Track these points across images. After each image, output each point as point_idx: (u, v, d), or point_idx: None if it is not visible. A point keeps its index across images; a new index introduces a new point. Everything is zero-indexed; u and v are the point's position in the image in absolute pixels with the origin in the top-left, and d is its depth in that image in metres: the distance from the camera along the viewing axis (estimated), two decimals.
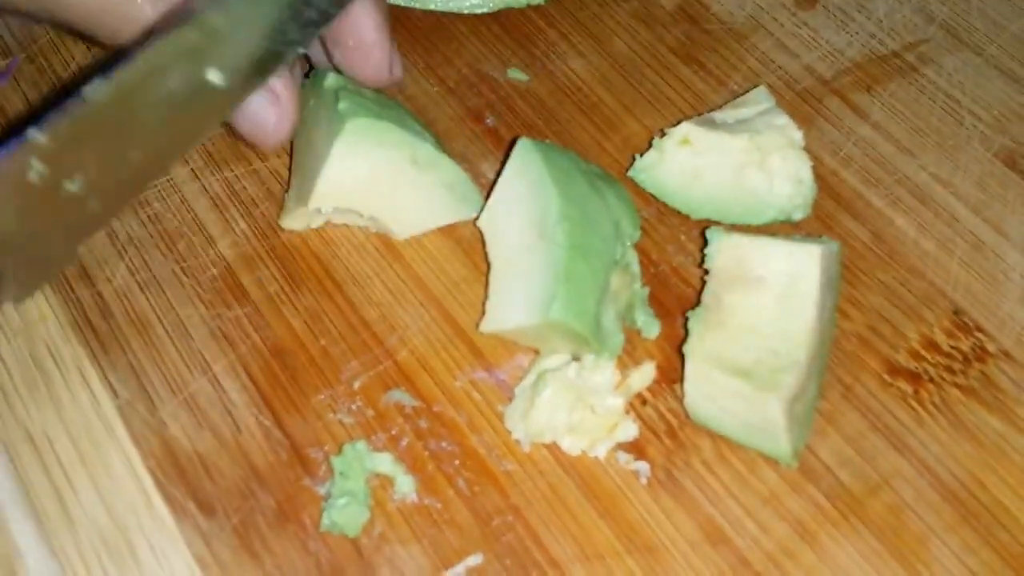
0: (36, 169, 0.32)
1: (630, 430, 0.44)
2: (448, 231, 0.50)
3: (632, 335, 0.46)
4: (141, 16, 0.44)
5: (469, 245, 0.49)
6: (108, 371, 0.45)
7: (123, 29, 0.45)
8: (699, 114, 0.54)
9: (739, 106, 0.52)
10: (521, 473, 0.43)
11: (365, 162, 0.46)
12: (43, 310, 0.46)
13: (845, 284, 0.48)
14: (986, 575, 0.41)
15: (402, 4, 0.58)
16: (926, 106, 0.55)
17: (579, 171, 0.47)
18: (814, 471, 0.43)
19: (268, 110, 0.44)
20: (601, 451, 0.43)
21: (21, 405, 0.44)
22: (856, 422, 0.44)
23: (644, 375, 0.45)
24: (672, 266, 0.49)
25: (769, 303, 0.43)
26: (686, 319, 0.44)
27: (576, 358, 0.44)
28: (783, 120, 0.50)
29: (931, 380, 0.46)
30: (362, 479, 0.42)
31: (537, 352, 0.46)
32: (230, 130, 0.47)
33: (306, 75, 0.51)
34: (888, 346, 0.47)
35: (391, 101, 0.50)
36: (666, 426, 0.44)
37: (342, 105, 0.45)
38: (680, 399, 0.44)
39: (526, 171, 0.46)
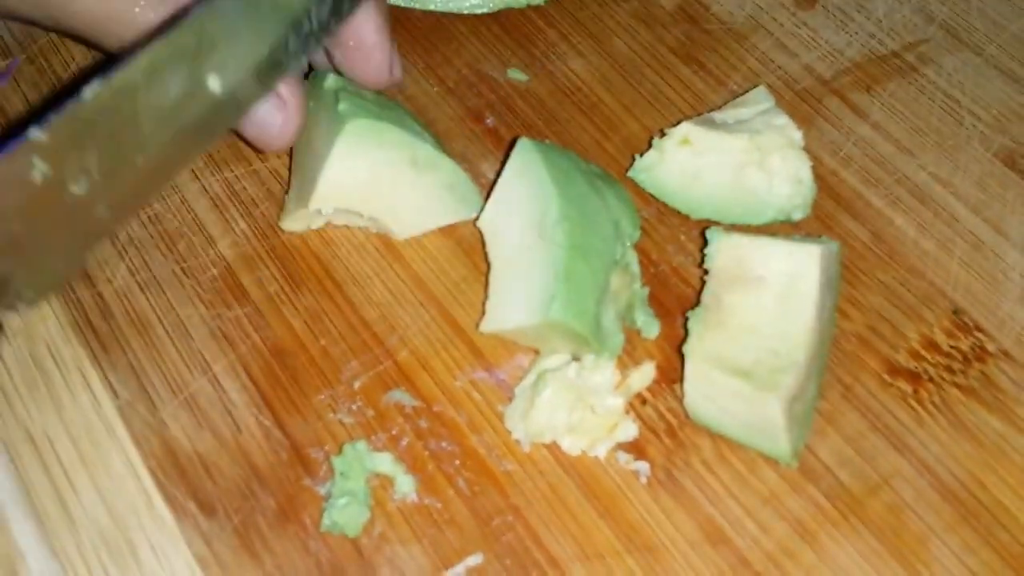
0: (39, 168, 0.32)
1: (630, 430, 0.44)
2: (448, 231, 0.50)
3: (632, 335, 0.46)
4: (146, 23, 0.44)
5: (469, 245, 0.49)
6: (108, 371, 0.45)
7: (128, 36, 0.45)
8: (699, 114, 0.54)
9: (739, 106, 0.52)
10: (521, 473, 0.43)
11: (365, 163, 0.46)
12: (43, 310, 0.46)
13: (845, 284, 0.48)
14: (986, 575, 0.41)
15: (402, 4, 0.58)
16: (926, 106, 0.55)
17: (579, 171, 0.47)
18: (814, 471, 0.43)
19: (274, 114, 0.44)
20: (601, 451, 0.43)
21: (21, 405, 0.44)
22: (856, 422, 0.44)
23: (644, 375, 0.45)
24: (672, 266, 0.49)
25: (769, 303, 0.43)
26: (686, 319, 0.44)
27: (576, 358, 0.44)
28: (783, 120, 0.50)
29: (931, 380, 0.46)
30: (362, 479, 0.42)
31: (537, 352, 0.46)
32: (233, 132, 0.47)
33: (306, 76, 0.51)
34: (888, 346, 0.47)
35: (391, 102, 0.50)
36: (666, 426, 0.44)
37: (342, 106, 0.45)
38: (680, 399, 0.44)
39: (526, 171, 0.46)
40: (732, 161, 0.49)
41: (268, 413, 0.44)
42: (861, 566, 0.41)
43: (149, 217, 0.50)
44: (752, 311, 0.43)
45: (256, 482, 0.42)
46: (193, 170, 0.52)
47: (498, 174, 0.47)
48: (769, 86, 0.54)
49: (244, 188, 0.51)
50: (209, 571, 0.40)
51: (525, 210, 0.45)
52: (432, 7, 0.58)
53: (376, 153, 0.46)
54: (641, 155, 0.51)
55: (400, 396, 0.45)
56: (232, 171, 0.52)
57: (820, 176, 0.52)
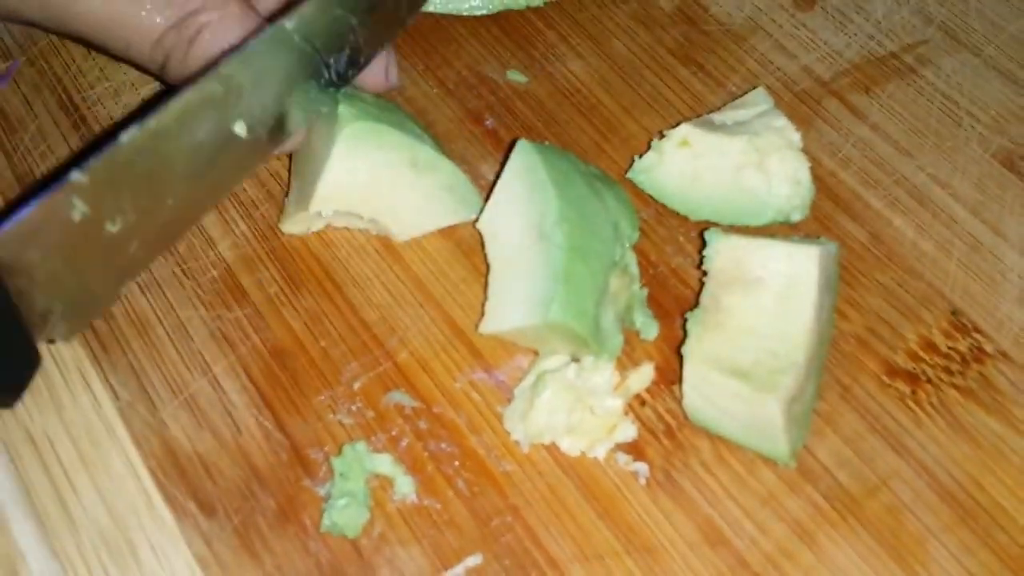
0: (79, 208, 0.34)
1: (629, 431, 0.44)
2: (448, 233, 0.50)
3: (631, 336, 0.47)
4: (152, 27, 0.45)
5: (469, 247, 0.49)
6: (109, 372, 0.45)
7: (134, 40, 0.45)
8: (698, 116, 0.54)
9: (738, 108, 0.52)
10: (520, 474, 0.43)
11: (365, 165, 0.46)
12: None
13: (843, 285, 0.48)
14: None
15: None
16: (924, 107, 0.55)
17: (578, 173, 0.47)
18: (812, 472, 0.43)
19: None
20: (600, 452, 0.43)
21: (22, 406, 0.44)
22: (854, 423, 0.45)
23: (643, 376, 0.45)
24: (671, 267, 0.49)
25: (767, 304, 0.43)
26: (685, 320, 0.45)
27: (575, 359, 0.45)
28: (781, 121, 0.50)
29: (929, 381, 0.46)
30: (362, 480, 0.42)
31: (536, 353, 0.46)
32: None
33: None
34: (886, 347, 0.47)
35: (390, 104, 0.50)
36: (665, 427, 0.44)
37: (341, 109, 0.46)
38: (679, 400, 0.44)
39: (525, 173, 0.46)
40: (731, 162, 0.49)
41: (268, 414, 0.44)
42: (859, 567, 0.41)
43: None
44: (751, 312, 0.43)
45: (256, 483, 0.42)
46: None
47: (497, 175, 0.47)
48: (768, 87, 0.54)
49: (244, 189, 0.51)
50: (209, 571, 0.40)
51: (524, 211, 0.45)
52: (431, 8, 0.58)
53: (376, 155, 0.46)
54: (640, 156, 0.51)
55: (400, 397, 0.45)
56: None
57: (819, 177, 0.52)
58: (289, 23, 0.41)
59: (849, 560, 0.41)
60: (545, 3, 0.59)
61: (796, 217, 0.49)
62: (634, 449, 0.44)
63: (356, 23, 0.45)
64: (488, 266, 0.46)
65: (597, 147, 0.53)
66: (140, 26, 0.45)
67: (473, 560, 0.41)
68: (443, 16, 0.59)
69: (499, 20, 0.59)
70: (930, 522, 0.42)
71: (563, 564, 0.41)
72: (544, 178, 0.45)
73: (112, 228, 0.36)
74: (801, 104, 0.55)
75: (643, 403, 0.45)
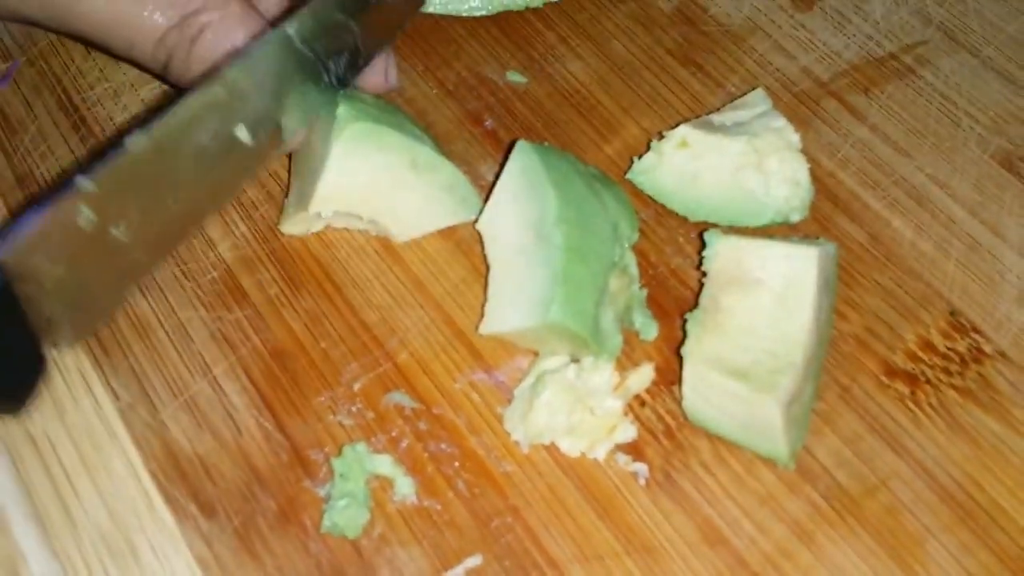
0: (85, 215, 0.34)
1: (629, 431, 0.44)
2: (447, 233, 0.50)
3: (630, 337, 0.47)
4: (153, 27, 0.45)
5: (468, 247, 0.50)
6: (110, 374, 0.45)
7: (136, 39, 0.45)
8: (697, 116, 0.54)
9: (737, 108, 0.53)
10: (520, 474, 0.43)
11: (365, 166, 0.46)
12: None
13: (842, 286, 0.49)
14: None
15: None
16: (923, 108, 0.56)
17: (577, 173, 0.47)
18: (811, 472, 0.43)
19: None
20: (600, 452, 0.43)
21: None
22: (853, 423, 0.45)
23: (642, 377, 0.45)
24: (670, 268, 0.49)
25: (766, 305, 0.43)
26: (684, 321, 0.45)
27: (575, 360, 0.45)
28: (780, 122, 0.50)
29: (928, 381, 0.46)
30: (362, 481, 0.42)
31: (536, 354, 0.46)
32: None
33: None
34: (885, 347, 0.47)
35: (390, 105, 0.50)
36: (664, 427, 0.45)
37: (341, 110, 0.46)
38: (678, 401, 0.44)
39: (525, 173, 0.46)
40: (730, 163, 0.49)
41: (268, 415, 0.44)
42: (858, 567, 0.41)
43: None
44: (750, 313, 0.43)
45: (256, 484, 0.43)
46: None
47: (497, 176, 0.47)
48: (767, 88, 0.54)
49: (244, 191, 0.51)
50: (210, 572, 0.40)
51: (524, 212, 0.45)
52: (431, 9, 0.58)
53: (375, 156, 0.46)
54: (639, 157, 0.51)
55: (400, 398, 0.45)
56: None
57: (818, 178, 0.52)
58: (290, 27, 0.42)
59: (848, 560, 0.41)
60: (544, 4, 0.59)
61: (795, 218, 0.49)
62: (634, 449, 0.44)
63: (355, 26, 0.46)
64: (488, 267, 0.46)
65: (596, 148, 0.54)
66: (142, 26, 0.45)
67: (473, 561, 0.41)
68: (442, 17, 0.59)
69: (498, 21, 0.59)
70: (929, 522, 0.42)
71: (563, 564, 0.41)
72: (543, 179, 0.45)
73: (118, 234, 0.36)
74: (800, 105, 0.56)
75: (643, 404, 0.45)
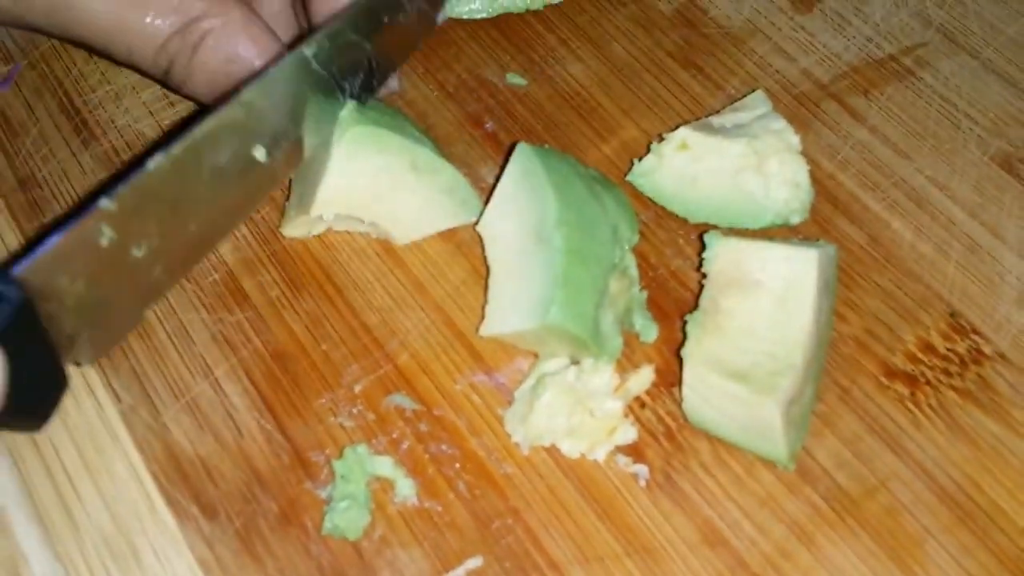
0: (106, 234, 0.34)
1: (629, 433, 0.44)
2: (448, 235, 0.50)
3: (630, 339, 0.47)
4: (156, 33, 0.45)
5: (469, 249, 0.50)
6: (111, 377, 0.45)
7: (138, 46, 0.46)
8: (697, 118, 0.54)
9: (737, 110, 0.53)
10: (521, 476, 0.43)
11: (365, 169, 0.46)
12: None
13: (842, 287, 0.49)
14: None
15: None
16: (923, 110, 0.56)
17: (578, 175, 0.47)
18: (811, 473, 0.43)
19: None
20: (600, 454, 0.44)
21: None
22: (853, 424, 0.45)
23: (642, 378, 0.45)
24: (670, 270, 0.49)
25: (766, 307, 0.43)
26: (684, 323, 0.45)
27: (575, 362, 0.45)
28: (780, 124, 0.50)
29: (928, 383, 0.46)
30: (363, 482, 0.42)
31: (536, 356, 0.46)
32: None
33: None
34: (885, 349, 0.47)
35: (390, 108, 0.51)
36: (664, 429, 0.45)
37: (343, 113, 0.46)
38: (678, 402, 0.45)
39: (525, 176, 0.46)
40: (730, 165, 0.49)
41: (269, 417, 0.44)
42: (858, 568, 0.41)
43: None
44: (750, 315, 0.43)
45: (258, 486, 0.43)
46: None
47: (497, 178, 0.48)
48: (767, 90, 0.54)
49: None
50: (211, 574, 0.41)
51: (524, 214, 0.45)
52: None
53: (376, 159, 0.46)
54: (640, 159, 0.51)
55: (400, 400, 0.45)
56: None
57: (818, 180, 0.52)
58: (308, 50, 0.42)
59: (848, 561, 0.41)
60: (545, 6, 0.59)
61: (795, 220, 0.49)
62: (634, 451, 0.44)
63: (369, 47, 0.47)
64: (488, 269, 0.46)
65: (596, 150, 0.54)
66: (144, 32, 0.45)
67: (474, 562, 0.41)
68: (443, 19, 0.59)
69: (499, 24, 0.59)
70: (929, 523, 0.42)
71: (563, 566, 0.41)
72: (544, 181, 0.45)
73: (137, 253, 0.36)
74: (800, 107, 0.56)
75: (643, 405, 0.45)
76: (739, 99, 0.54)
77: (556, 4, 0.60)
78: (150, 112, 0.55)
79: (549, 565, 0.41)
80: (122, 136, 0.54)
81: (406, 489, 0.43)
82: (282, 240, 0.50)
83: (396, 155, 0.46)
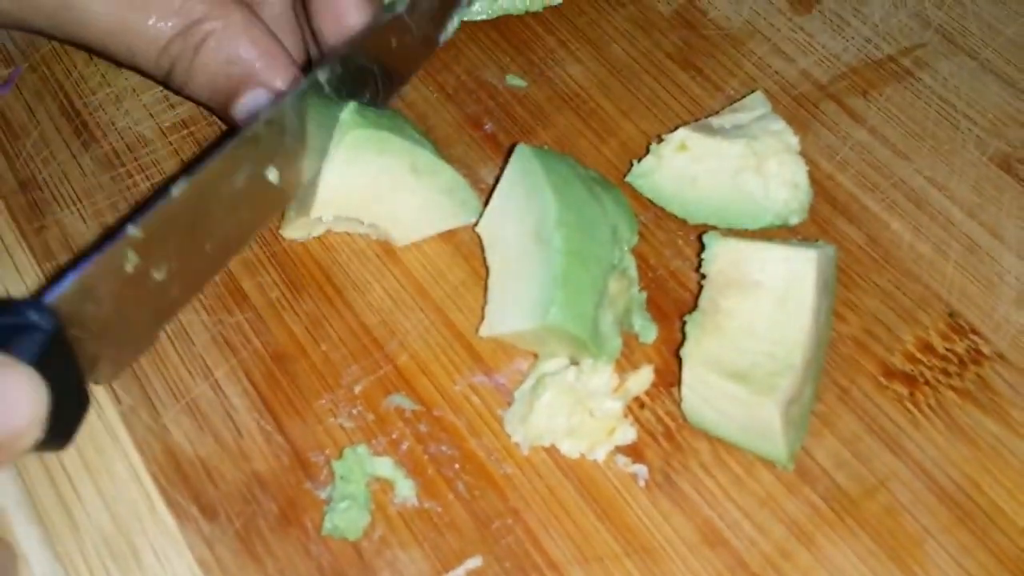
0: (131, 260, 0.36)
1: (628, 433, 0.44)
2: (447, 237, 0.50)
3: (630, 339, 0.47)
4: (158, 35, 0.45)
5: (468, 250, 0.50)
6: None
7: (140, 48, 0.46)
8: (696, 119, 0.54)
9: (736, 111, 0.53)
10: (520, 476, 0.43)
11: (365, 171, 0.46)
12: None
13: (841, 287, 0.49)
14: None
15: (401, 11, 0.59)
16: (922, 110, 0.56)
17: (577, 176, 0.47)
18: (810, 473, 0.43)
19: None
20: (600, 454, 0.44)
21: None
22: (852, 424, 0.45)
23: (642, 379, 0.45)
24: (669, 270, 0.49)
25: (766, 307, 0.43)
26: (683, 323, 0.45)
27: (575, 362, 0.45)
28: (779, 125, 0.50)
29: (927, 383, 0.46)
30: (363, 483, 0.42)
31: (536, 356, 0.46)
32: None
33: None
34: (884, 349, 0.47)
35: (390, 110, 0.51)
36: (664, 429, 0.45)
37: (343, 115, 0.46)
38: (678, 402, 0.45)
39: (524, 177, 0.46)
40: (729, 166, 0.49)
41: (269, 418, 0.44)
42: (857, 567, 0.41)
43: None
44: (749, 315, 0.43)
45: (257, 486, 0.43)
46: None
47: (497, 179, 0.48)
48: (766, 91, 0.54)
49: None
50: (211, 575, 0.41)
51: (524, 215, 0.45)
52: None
53: (376, 161, 0.46)
54: (639, 160, 0.51)
55: (400, 400, 0.45)
56: None
57: (817, 180, 0.52)
58: (321, 75, 0.43)
59: (847, 561, 0.41)
60: (544, 8, 0.60)
61: (794, 220, 0.49)
62: (633, 451, 0.44)
63: (377, 70, 0.48)
64: (488, 270, 0.46)
65: (596, 151, 0.54)
66: (146, 34, 0.45)
67: (473, 562, 0.41)
68: None
69: (498, 25, 0.59)
70: (928, 523, 0.42)
71: (563, 566, 0.41)
72: (543, 182, 0.45)
73: (158, 276, 0.38)
74: (799, 108, 0.56)
75: (642, 405, 0.45)
76: (738, 100, 0.54)
77: (555, 6, 0.60)
78: (151, 114, 0.55)
79: (549, 565, 0.41)
80: (122, 138, 0.54)
81: (406, 490, 0.43)
82: (282, 242, 0.50)
83: (396, 157, 0.46)
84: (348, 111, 0.46)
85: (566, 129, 0.55)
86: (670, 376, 0.46)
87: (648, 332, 0.47)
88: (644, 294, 0.48)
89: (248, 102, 0.47)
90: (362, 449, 0.43)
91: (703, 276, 0.46)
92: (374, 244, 0.50)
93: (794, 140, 0.50)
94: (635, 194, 0.51)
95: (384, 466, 0.43)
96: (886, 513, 0.42)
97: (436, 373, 0.46)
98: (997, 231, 0.51)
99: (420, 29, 0.50)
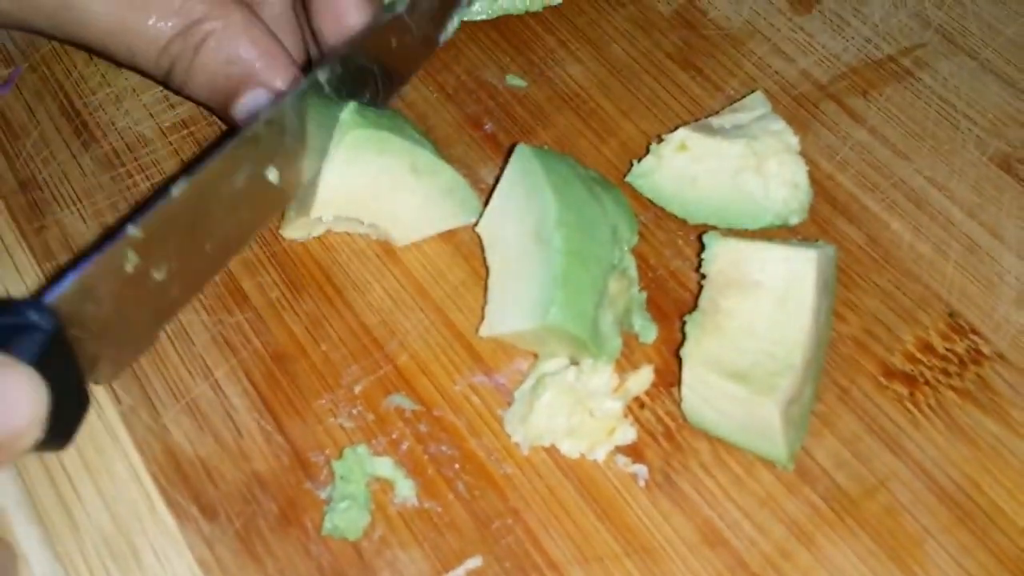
0: (131, 260, 0.36)
1: (628, 433, 0.44)
2: (447, 237, 0.50)
3: (630, 339, 0.47)
4: (158, 35, 0.45)
5: (468, 250, 0.50)
6: None
7: (140, 48, 0.46)
8: (696, 119, 0.54)
9: (736, 111, 0.53)
10: (520, 476, 0.43)
11: (365, 171, 0.46)
12: None
13: (841, 287, 0.49)
14: None
15: (401, 11, 0.58)
16: (922, 110, 0.56)
17: (577, 176, 0.47)
18: (810, 473, 0.43)
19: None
20: (600, 454, 0.44)
21: None
22: (852, 424, 0.45)
23: (642, 379, 0.45)
24: (669, 270, 0.49)
25: (766, 307, 0.43)
26: (683, 323, 0.45)
27: (575, 362, 0.45)
28: (779, 125, 0.50)
29: (927, 383, 0.46)
30: (363, 483, 0.42)
31: (536, 356, 0.46)
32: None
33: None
34: (884, 349, 0.47)
35: (390, 109, 0.51)
36: (664, 429, 0.45)
37: (343, 116, 0.46)
38: (678, 402, 0.45)
39: (524, 177, 0.46)
40: (729, 166, 0.49)
41: (269, 418, 0.44)
42: (858, 567, 0.41)
43: None
44: (749, 315, 0.43)
45: (257, 486, 0.43)
46: None
47: (497, 179, 0.48)
48: (766, 91, 0.54)
49: None
50: (211, 575, 0.41)
51: (523, 215, 0.45)
52: None
53: (376, 161, 0.46)
54: (639, 160, 0.51)
55: (400, 400, 0.45)
56: None
57: (817, 180, 0.52)
58: (321, 75, 0.43)
59: (847, 561, 0.41)
60: (544, 8, 0.60)
61: (794, 220, 0.49)
62: (633, 451, 0.44)
63: (377, 70, 0.48)
64: (488, 270, 0.46)
65: (596, 151, 0.54)
66: (146, 34, 0.46)
67: (473, 562, 0.41)
68: None
69: (498, 25, 0.59)
70: (928, 523, 0.42)
71: (563, 566, 0.41)
72: (543, 182, 0.45)
73: (158, 276, 0.38)
74: (799, 108, 0.56)
75: (642, 405, 0.45)
76: (738, 100, 0.54)
77: (555, 6, 0.60)
78: (150, 114, 0.55)
79: (548, 565, 0.41)
80: (122, 138, 0.54)
81: (406, 489, 0.43)
82: (282, 241, 0.50)
83: (396, 157, 0.46)
84: (348, 111, 0.46)
85: (566, 129, 0.55)
86: (670, 376, 0.46)
87: (648, 332, 0.47)
88: (644, 294, 0.48)
89: (248, 102, 0.47)
90: (362, 449, 0.43)
91: (703, 276, 0.46)
92: (374, 244, 0.50)
93: (794, 140, 0.50)
94: (635, 194, 0.51)
95: (384, 466, 0.43)
96: (886, 513, 0.43)
97: (436, 373, 0.46)
98: (997, 231, 0.51)
99: (420, 29, 0.51)
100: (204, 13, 0.45)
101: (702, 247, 0.46)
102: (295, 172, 0.44)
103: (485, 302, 0.46)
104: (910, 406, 0.45)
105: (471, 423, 0.45)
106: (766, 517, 0.42)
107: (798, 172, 0.49)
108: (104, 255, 0.35)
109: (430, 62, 0.57)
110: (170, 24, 0.45)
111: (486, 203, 0.48)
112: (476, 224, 0.48)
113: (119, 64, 0.50)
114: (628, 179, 0.51)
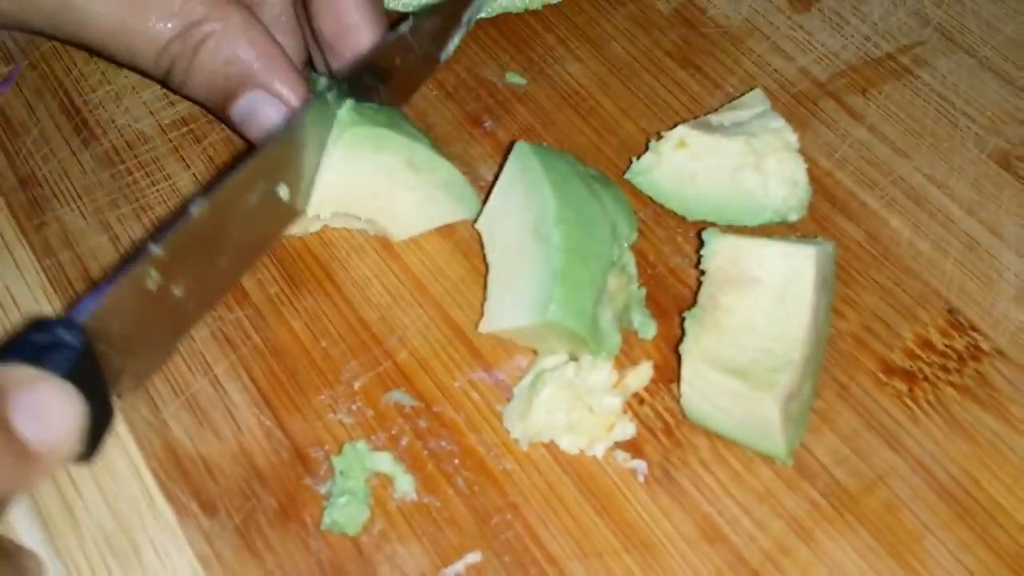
0: (153, 278, 0.37)
1: (627, 429, 0.44)
2: (447, 233, 0.50)
3: (629, 335, 0.47)
4: (157, 36, 0.46)
5: (467, 247, 0.50)
6: None
7: (139, 48, 0.46)
8: (695, 117, 0.54)
9: (735, 109, 0.53)
10: (520, 472, 0.43)
11: (363, 168, 0.46)
12: (46, 312, 0.47)
13: (840, 284, 0.49)
14: (981, 573, 0.41)
15: (400, 10, 0.59)
16: (920, 108, 0.56)
17: (576, 174, 0.47)
18: (810, 469, 0.43)
19: (278, 118, 0.46)
20: (599, 450, 0.44)
21: None
22: (851, 420, 0.45)
23: (641, 375, 0.45)
24: (669, 267, 0.49)
25: (765, 303, 0.43)
26: (682, 319, 0.45)
27: (574, 358, 0.45)
28: (778, 123, 0.50)
29: (926, 379, 0.46)
30: (362, 478, 0.42)
31: (535, 352, 0.46)
32: (240, 136, 0.48)
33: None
34: (883, 345, 0.47)
35: (389, 107, 0.51)
36: (663, 425, 0.45)
37: (341, 113, 0.46)
38: (677, 398, 0.45)
39: (524, 174, 0.46)
40: (728, 163, 0.49)
41: (269, 413, 0.44)
42: (857, 563, 0.41)
43: (152, 221, 0.50)
44: (748, 311, 0.43)
45: (257, 482, 0.43)
46: (195, 174, 0.52)
47: (496, 177, 0.48)
48: (765, 89, 0.54)
49: None
50: (211, 570, 0.41)
51: (523, 212, 0.45)
52: None
53: (374, 158, 0.46)
54: (638, 157, 0.51)
55: (399, 396, 0.45)
56: None
57: (816, 178, 0.52)
58: (331, 95, 0.44)
59: (847, 556, 0.41)
60: (543, 6, 0.60)
61: (793, 217, 0.49)
62: (633, 447, 0.44)
63: (381, 87, 0.49)
64: (487, 266, 0.46)
65: (595, 148, 0.54)
66: (146, 35, 0.46)
67: (473, 557, 0.41)
68: None
69: (498, 23, 0.59)
70: (927, 519, 0.42)
71: (562, 561, 0.41)
72: (542, 179, 0.45)
73: (177, 292, 0.39)
74: (798, 105, 0.56)
75: (641, 401, 0.45)
76: (737, 98, 0.54)
77: (555, 4, 0.60)
78: (150, 112, 0.55)
79: (548, 560, 0.41)
80: (122, 135, 0.54)
81: (405, 485, 0.43)
82: (280, 238, 0.50)
83: (393, 153, 0.46)
84: (345, 109, 0.46)
85: (565, 126, 0.55)
86: (669, 372, 0.46)
87: (647, 328, 0.47)
88: (643, 290, 0.48)
89: (246, 103, 0.47)
90: (361, 445, 0.43)
91: (702, 273, 0.46)
92: (373, 240, 0.50)
93: (793, 137, 0.50)
94: (634, 191, 0.51)
95: (383, 461, 0.43)
96: (885, 509, 0.43)
97: (435, 369, 0.46)
98: (996, 228, 0.51)
99: (422, 48, 0.51)
100: (203, 14, 0.46)
101: (701, 244, 0.46)
102: (303, 188, 0.45)
103: (484, 298, 0.46)
104: (909, 402, 0.45)
105: (470, 419, 0.45)
106: (765, 513, 0.42)
107: (797, 169, 0.49)
108: (127, 274, 0.36)
109: None
110: (170, 25, 0.46)
111: (485, 200, 0.48)
112: (475, 221, 0.48)
113: (119, 64, 0.50)
114: (627, 176, 0.52)
